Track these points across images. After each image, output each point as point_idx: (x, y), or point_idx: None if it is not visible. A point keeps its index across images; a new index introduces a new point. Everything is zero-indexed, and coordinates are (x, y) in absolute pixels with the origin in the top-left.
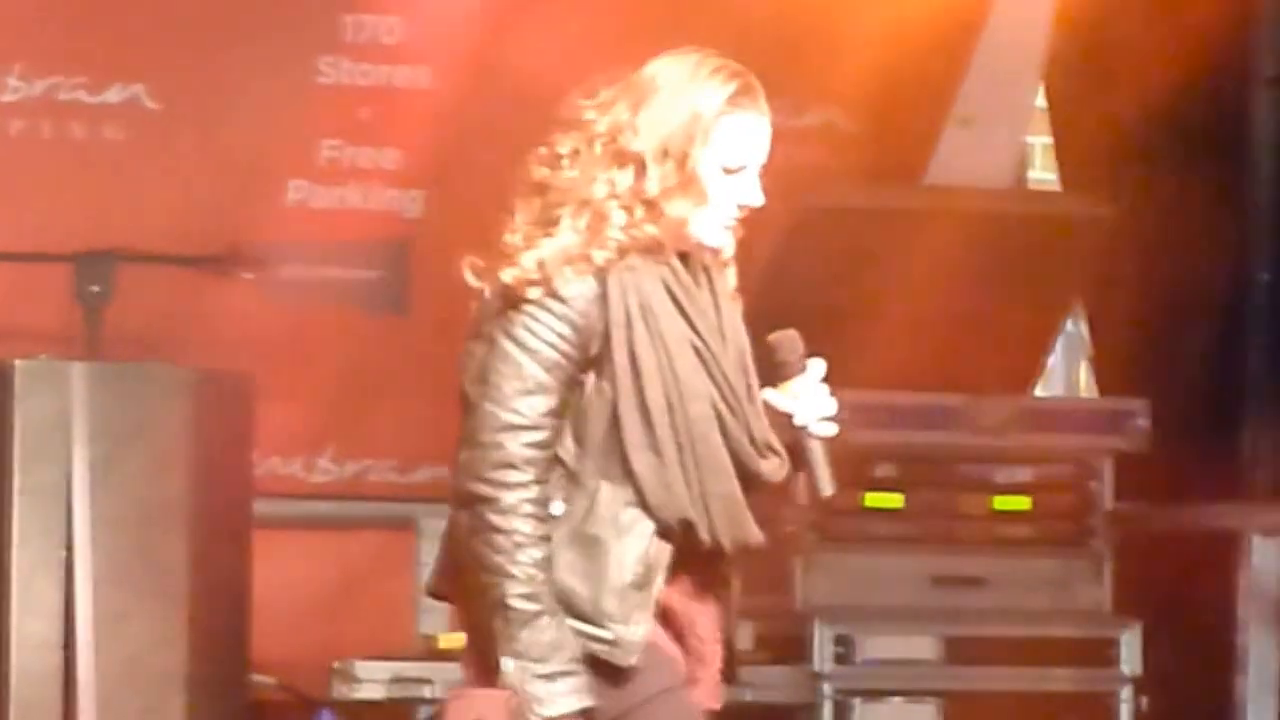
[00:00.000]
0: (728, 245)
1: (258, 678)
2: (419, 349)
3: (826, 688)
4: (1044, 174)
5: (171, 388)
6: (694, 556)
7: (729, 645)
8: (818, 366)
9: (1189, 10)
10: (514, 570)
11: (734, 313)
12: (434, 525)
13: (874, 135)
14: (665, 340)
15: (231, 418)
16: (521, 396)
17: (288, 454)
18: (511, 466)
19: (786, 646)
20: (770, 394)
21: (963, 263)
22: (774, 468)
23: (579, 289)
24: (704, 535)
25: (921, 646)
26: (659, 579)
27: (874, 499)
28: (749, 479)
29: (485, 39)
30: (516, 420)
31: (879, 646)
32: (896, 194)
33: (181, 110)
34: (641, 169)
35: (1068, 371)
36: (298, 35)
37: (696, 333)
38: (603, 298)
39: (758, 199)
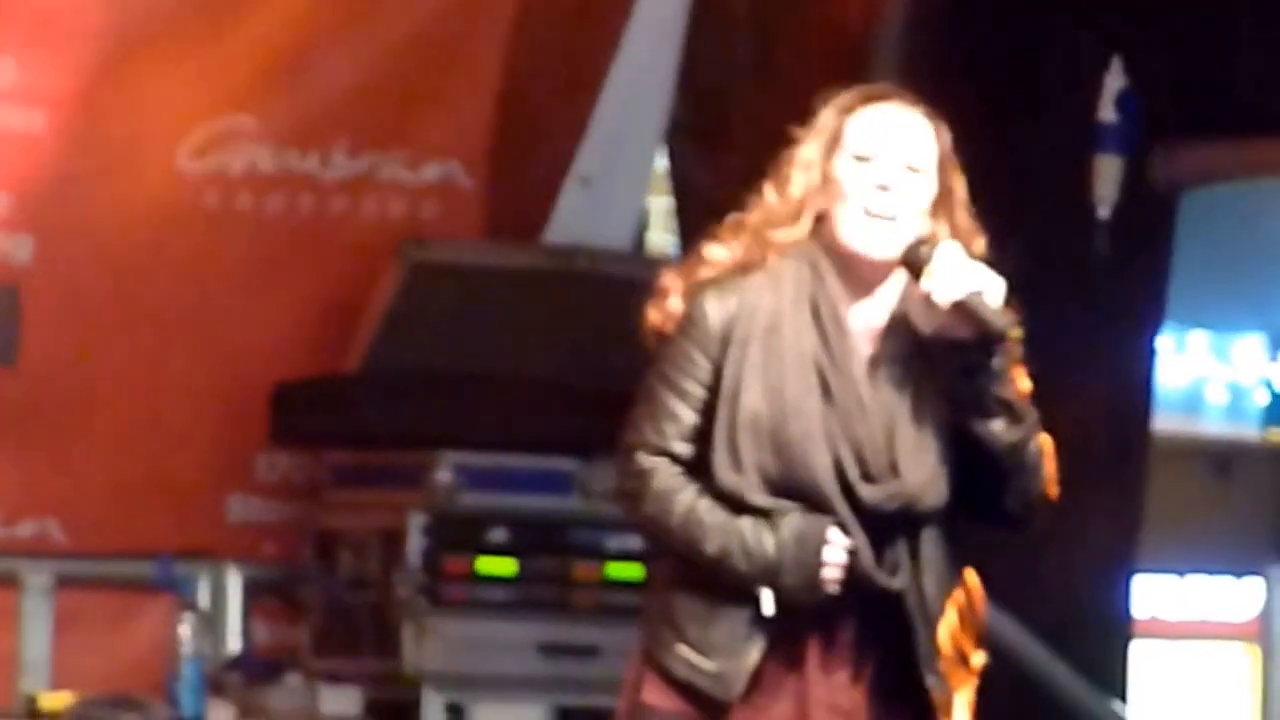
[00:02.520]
0: (877, 247)
1: None
2: (26, 399)
3: None
4: (664, 236)
5: None
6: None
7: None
8: (947, 247)
9: (802, 77)
10: None
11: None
12: (37, 580)
13: (493, 191)
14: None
15: None
16: None
17: None
18: None
19: (396, 713)
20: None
21: (578, 324)
22: (882, 495)
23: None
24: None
25: (532, 716)
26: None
27: (486, 564)
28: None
29: (100, 83)
30: None
31: (489, 714)
32: (508, 252)
33: None
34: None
35: None
36: None
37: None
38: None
39: (890, 183)
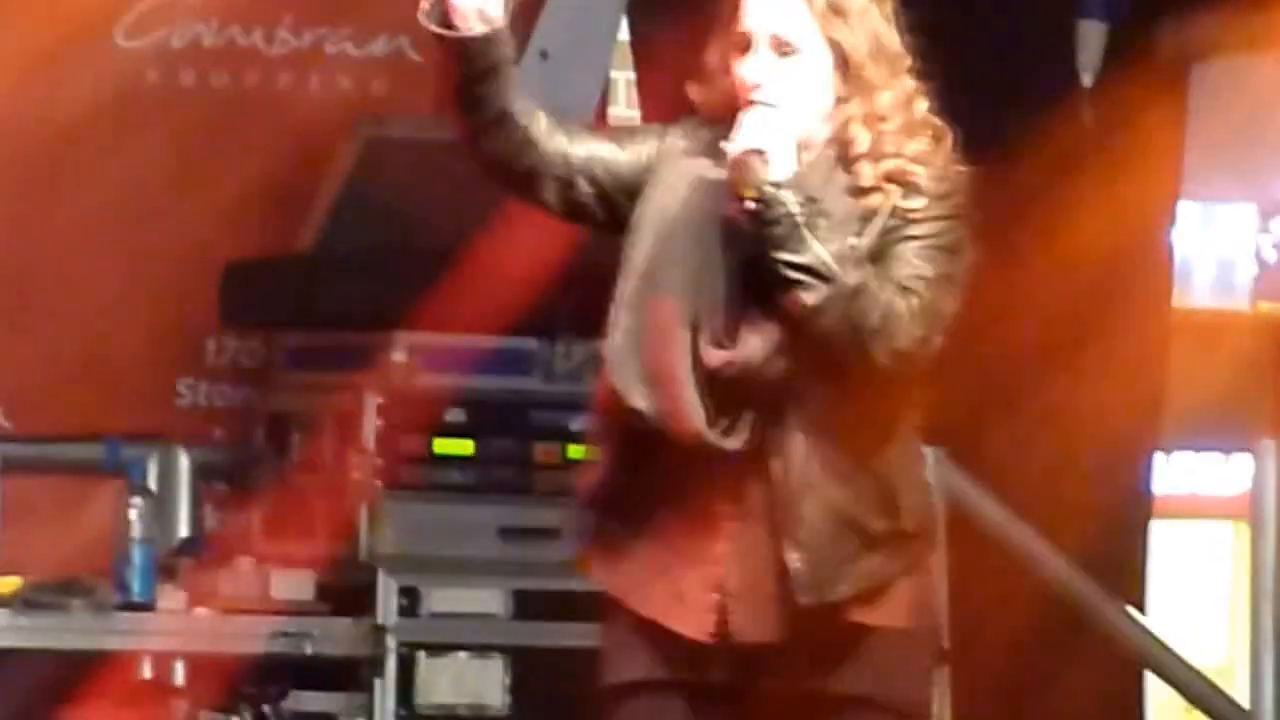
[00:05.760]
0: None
1: None
2: None
3: (391, 641)
4: (626, 110)
5: None
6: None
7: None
8: (760, 109)
9: None
10: None
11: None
12: None
13: None
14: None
15: None
16: None
17: None
18: None
19: (349, 598)
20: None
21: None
22: (720, 360)
23: None
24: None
25: (490, 600)
26: None
27: (443, 445)
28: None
29: None
30: None
31: (446, 599)
32: None
33: None
34: None
35: None
36: None
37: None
38: None
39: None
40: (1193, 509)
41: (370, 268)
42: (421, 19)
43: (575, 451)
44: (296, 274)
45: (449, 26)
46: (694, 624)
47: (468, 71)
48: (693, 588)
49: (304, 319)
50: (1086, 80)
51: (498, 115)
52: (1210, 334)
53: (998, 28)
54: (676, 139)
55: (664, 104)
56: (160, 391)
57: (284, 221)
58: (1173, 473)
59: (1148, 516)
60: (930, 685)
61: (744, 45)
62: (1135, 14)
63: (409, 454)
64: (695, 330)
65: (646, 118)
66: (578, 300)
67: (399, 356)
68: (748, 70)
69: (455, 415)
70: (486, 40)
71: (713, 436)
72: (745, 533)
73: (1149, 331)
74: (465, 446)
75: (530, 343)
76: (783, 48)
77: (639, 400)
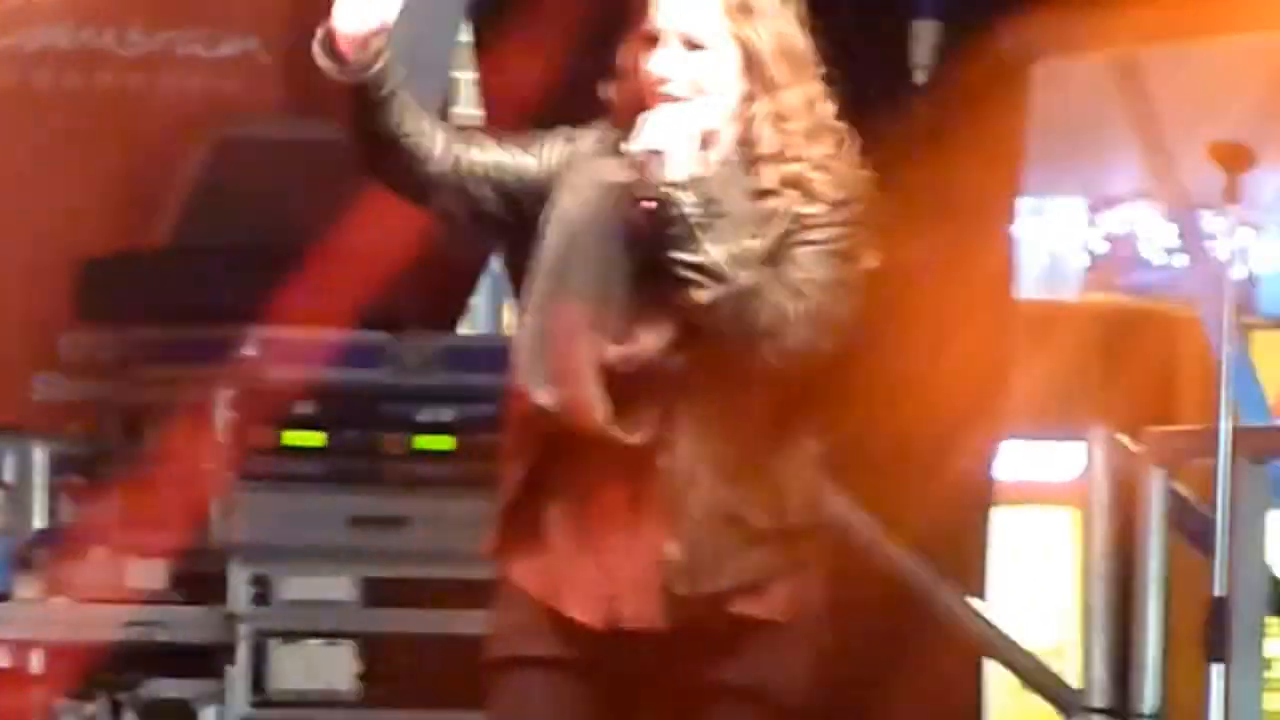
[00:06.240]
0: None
1: None
2: None
3: (243, 629)
4: (469, 110)
5: None
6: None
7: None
8: (665, 110)
9: None
10: None
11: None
12: None
13: (292, 67)
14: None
15: None
16: None
17: None
18: None
19: (202, 586)
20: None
21: (376, 198)
22: (618, 356)
23: None
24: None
25: (339, 587)
26: None
27: (293, 437)
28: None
29: None
30: None
31: (296, 587)
32: (316, 126)
33: None
34: None
35: (492, 310)
36: None
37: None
38: None
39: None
40: (1029, 496)
41: (223, 264)
42: (315, 54)
43: (422, 442)
44: (151, 270)
45: (338, 58)
46: (588, 610)
47: (360, 104)
48: (587, 575)
49: (159, 314)
50: (920, 78)
51: (392, 139)
52: (1042, 325)
53: (831, 28)
54: (586, 142)
55: (506, 104)
56: (17, 386)
57: (139, 219)
58: (1008, 460)
59: (990, 503)
60: (811, 678)
61: (653, 41)
62: (974, 13)
63: (260, 445)
64: (599, 329)
65: (489, 119)
66: (424, 295)
67: (251, 350)
68: (655, 64)
69: (305, 407)
70: (376, 75)
71: (614, 431)
72: (636, 523)
73: (992, 323)
74: (315, 438)
75: (378, 337)
76: (691, 43)
77: (544, 397)
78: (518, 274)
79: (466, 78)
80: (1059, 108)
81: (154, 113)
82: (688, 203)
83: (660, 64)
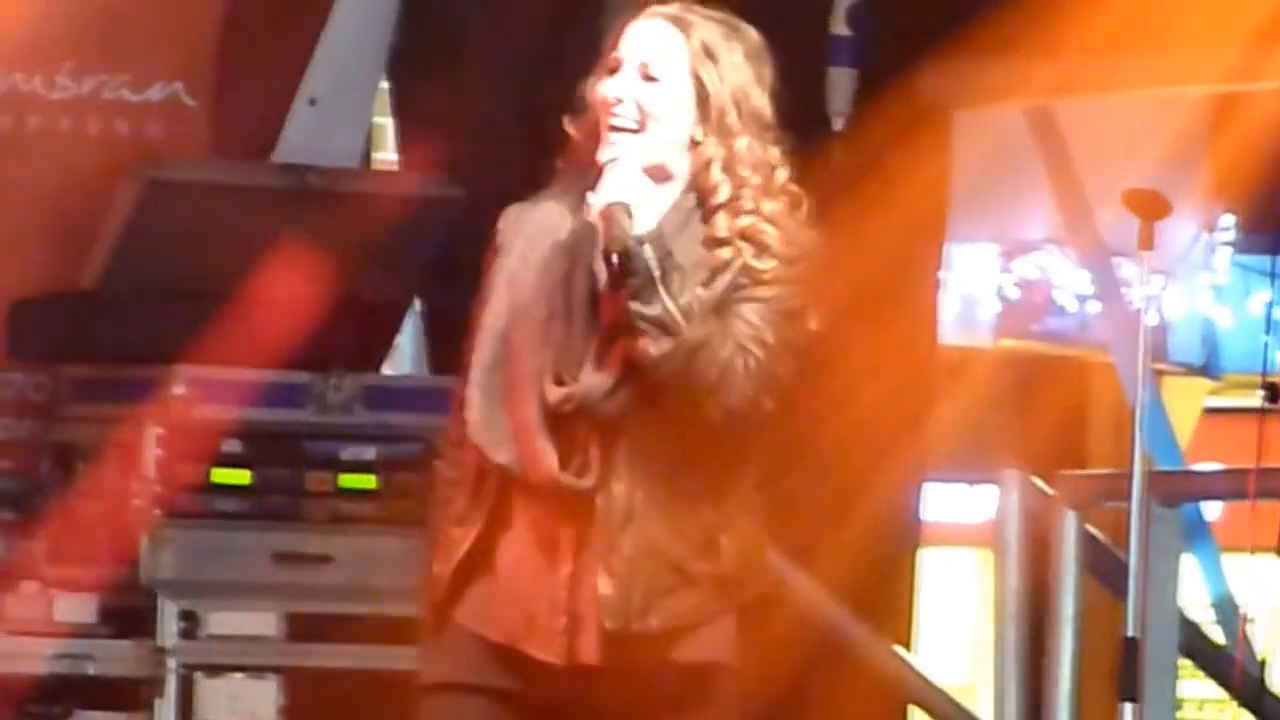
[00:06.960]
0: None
1: None
2: None
3: (171, 662)
4: (388, 155)
5: None
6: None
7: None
8: (622, 162)
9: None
10: None
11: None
12: None
13: (218, 112)
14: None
15: None
16: None
17: None
18: None
19: (131, 620)
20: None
21: (311, 240)
22: (559, 396)
23: None
24: None
25: (264, 623)
26: None
27: (220, 475)
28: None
29: None
30: None
31: (223, 621)
32: (242, 170)
33: None
34: None
35: (417, 350)
36: None
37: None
38: None
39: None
40: (940, 538)
41: (151, 304)
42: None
43: (346, 480)
44: (80, 311)
45: None
46: (545, 647)
47: None
48: (542, 612)
49: (87, 354)
50: (837, 125)
51: None
52: (955, 369)
53: None
54: (539, 206)
55: (423, 150)
56: None
57: (67, 260)
58: (922, 503)
59: (916, 545)
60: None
61: (614, 69)
62: (893, 62)
63: (188, 483)
64: (545, 375)
65: (406, 164)
66: (348, 336)
67: (179, 389)
68: (609, 87)
69: (232, 446)
70: None
71: (566, 479)
72: (584, 559)
73: (914, 368)
74: (242, 476)
75: (303, 376)
76: (648, 75)
77: (503, 456)
78: (441, 318)
79: (388, 123)
80: (973, 154)
81: (82, 155)
82: (651, 257)
83: (612, 88)
